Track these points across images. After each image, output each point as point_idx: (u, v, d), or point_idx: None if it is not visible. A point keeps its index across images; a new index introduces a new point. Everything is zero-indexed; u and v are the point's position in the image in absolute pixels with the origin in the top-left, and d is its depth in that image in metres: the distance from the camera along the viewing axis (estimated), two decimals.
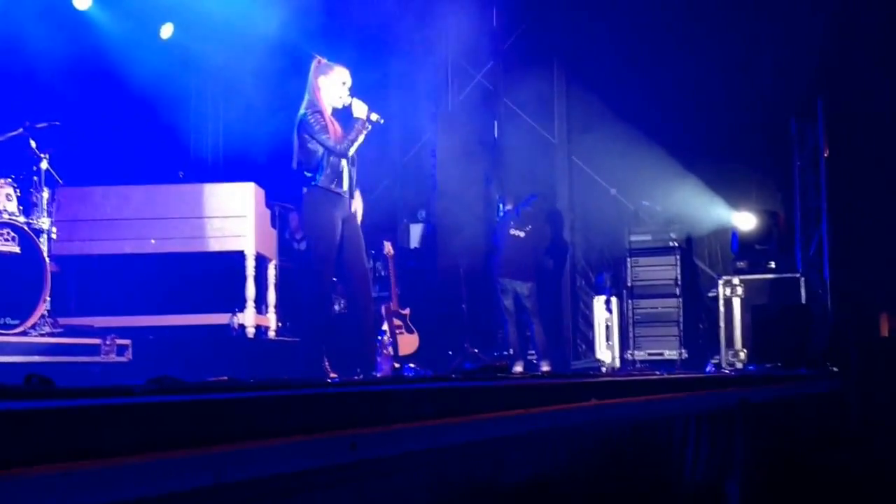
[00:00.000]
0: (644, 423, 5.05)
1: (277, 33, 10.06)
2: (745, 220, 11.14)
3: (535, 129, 12.64)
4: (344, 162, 6.61)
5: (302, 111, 6.56)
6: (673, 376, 6.93)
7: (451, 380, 4.83)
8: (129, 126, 9.89)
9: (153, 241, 7.93)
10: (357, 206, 6.79)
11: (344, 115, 6.72)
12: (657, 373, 7.83)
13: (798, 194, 11.48)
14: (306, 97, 6.63)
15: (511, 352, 10.35)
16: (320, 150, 6.49)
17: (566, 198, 12.17)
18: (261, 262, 8.33)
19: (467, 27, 12.08)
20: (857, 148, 11.27)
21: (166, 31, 10.22)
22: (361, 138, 6.58)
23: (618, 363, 10.69)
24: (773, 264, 10.94)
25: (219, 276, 8.24)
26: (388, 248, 9.67)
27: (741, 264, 11.06)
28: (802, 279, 10.77)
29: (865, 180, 11.60)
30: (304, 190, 6.54)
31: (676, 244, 11.19)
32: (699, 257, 11.97)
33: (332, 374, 6.31)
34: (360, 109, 6.59)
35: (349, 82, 6.69)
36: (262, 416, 2.20)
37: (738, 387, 7.09)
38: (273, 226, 8.99)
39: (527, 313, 10.39)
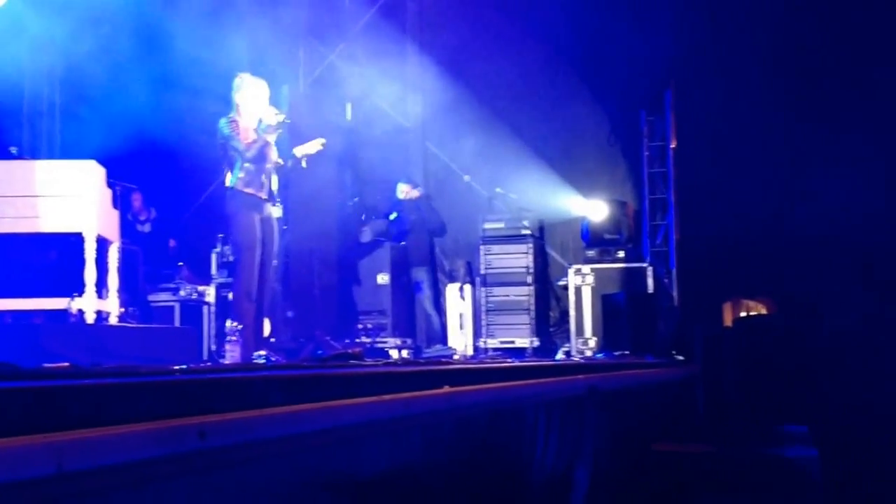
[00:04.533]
0: (497, 410, 5.03)
1: (119, 6, 9.63)
2: (596, 210, 11.32)
3: (388, 113, 12.52)
4: (270, 168, 7.41)
5: (221, 120, 7.30)
6: (525, 364, 6.96)
7: (304, 367, 4.71)
8: None
9: None
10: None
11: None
12: (510, 360, 7.85)
13: (646, 185, 11.76)
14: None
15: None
16: (237, 155, 7.23)
17: (420, 184, 12.10)
18: (101, 244, 7.91)
19: (319, 5, 11.82)
20: (704, 140, 11.62)
21: None
22: (271, 139, 7.38)
23: (470, 351, 10.70)
24: (622, 254, 11.17)
25: (56, 258, 7.81)
26: None
27: (591, 253, 11.24)
28: (650, 268, 11.03)
29: (711, 172, 11.98)
30: (227, 193, 7.33)
31: (529, 232, 11.27)
32: (551, 246, 12.12)
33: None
34: (269, 116, 7.32)
35: (267, 93, 7.46)
36: (107, 403, 2.15)
37: (587, 374, 7.18)
38: (115, 206, 8.57)
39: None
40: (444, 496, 4.38)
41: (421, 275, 11.03)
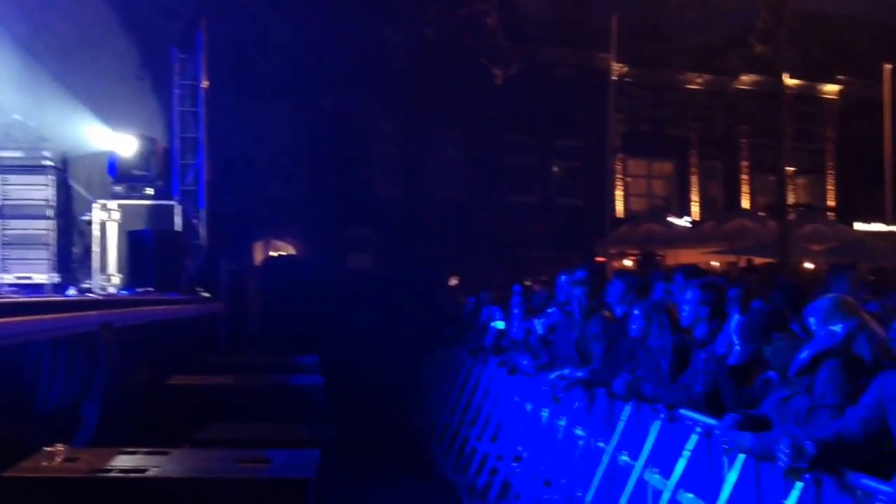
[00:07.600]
0: None
1: None
2: (125, 145, 11.10)
3: None
4: None
5: None
6: (25, 300, 6.76)
7: None
8: None
9: None
10: None
11: None
12: (13, 297, 7.56)
13: (176, 123, 11.72)
14: None
15: None
16: None
17: None
18: None
19: None
20: (236, 82, 11.81)
21: None
22: None
23: None
24: (150, 191, 11.09)
25: None
26: None
27: (119, 189, 11.05)
28: (179, 207, 11.08)
29: (243, 115, 12.21)
30: None
31: (51, 164, 10.73)
32: (76, 179, 11.63)
33: None
34: None
35: None
36: None
37: (102, 311, 7.09)
38: None
39: None
40: None
41: None
